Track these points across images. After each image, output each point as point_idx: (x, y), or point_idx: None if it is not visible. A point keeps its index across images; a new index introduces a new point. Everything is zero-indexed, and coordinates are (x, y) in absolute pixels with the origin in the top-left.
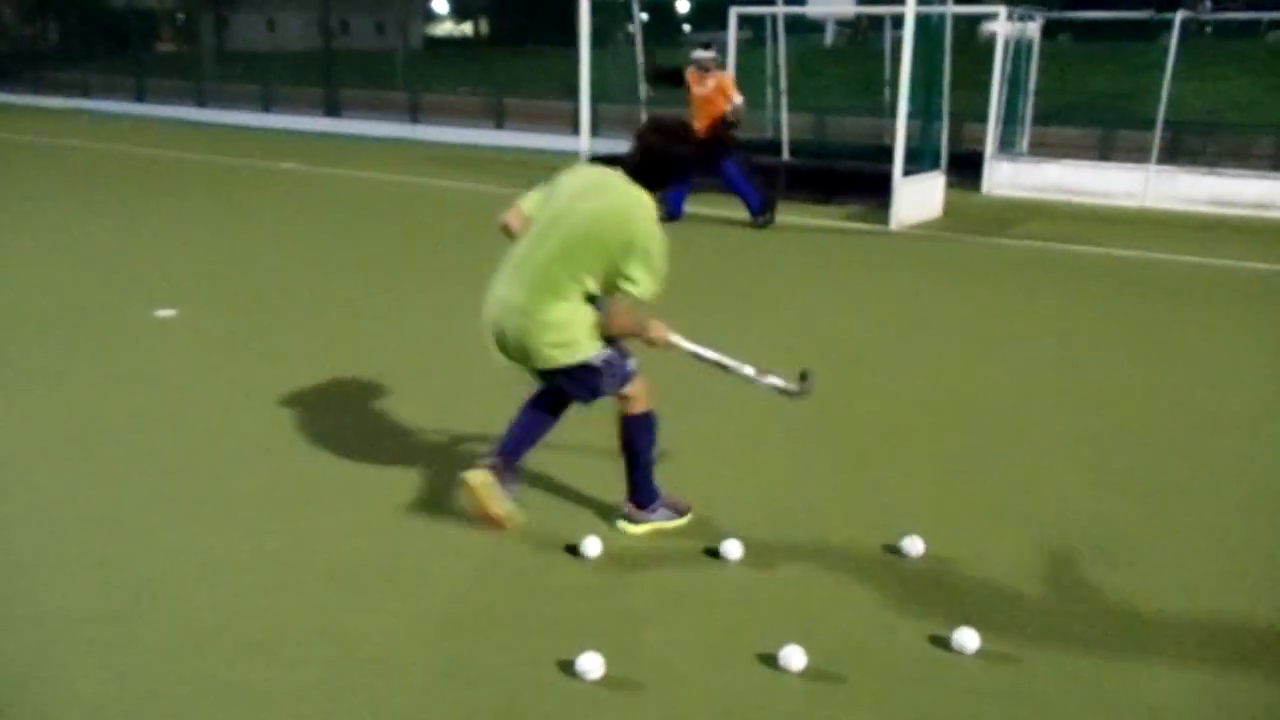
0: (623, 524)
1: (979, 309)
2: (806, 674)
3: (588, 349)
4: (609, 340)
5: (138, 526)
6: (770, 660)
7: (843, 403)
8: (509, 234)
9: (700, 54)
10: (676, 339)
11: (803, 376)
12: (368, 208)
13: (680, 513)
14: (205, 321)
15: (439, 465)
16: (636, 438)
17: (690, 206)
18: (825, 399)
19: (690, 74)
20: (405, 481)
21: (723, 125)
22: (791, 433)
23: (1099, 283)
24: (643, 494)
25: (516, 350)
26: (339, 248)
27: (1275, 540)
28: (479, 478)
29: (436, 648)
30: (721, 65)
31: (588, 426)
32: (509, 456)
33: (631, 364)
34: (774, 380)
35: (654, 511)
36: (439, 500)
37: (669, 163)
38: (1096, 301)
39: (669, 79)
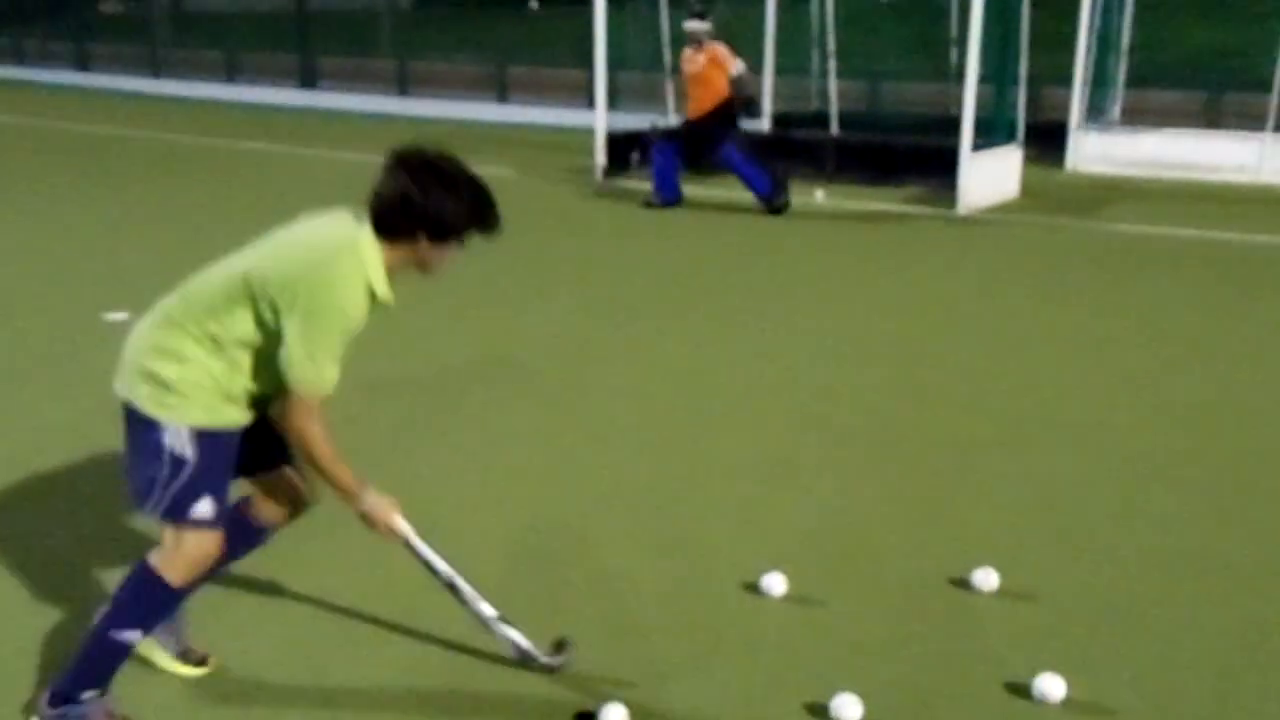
0: None
1: (1062, 306)
2: None
3: (176, 411)
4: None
5: (85, 565)
6: (821, 711)
7: (903, 415)
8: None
9: (693, 25)
10: (404, 529)
11: (558, 647)
12: (347, 195)
13: None
14: None
15: (437, 487)
16: (133, 605)
17: (723, 190)
18: (883, 411)
19: (685, 51)
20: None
21: (734, 103)
22: (842, 449)
23: (1205, 273)
24: (81, 681)
25: (120, 387)
26: None
27: None
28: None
29: (437, 698)
30: (715, 36)
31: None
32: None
33: (208, 510)
34: (515, 636)
35: (81, 716)
36: (435, 526)
37: (419, 213)
38: (1201, 295)
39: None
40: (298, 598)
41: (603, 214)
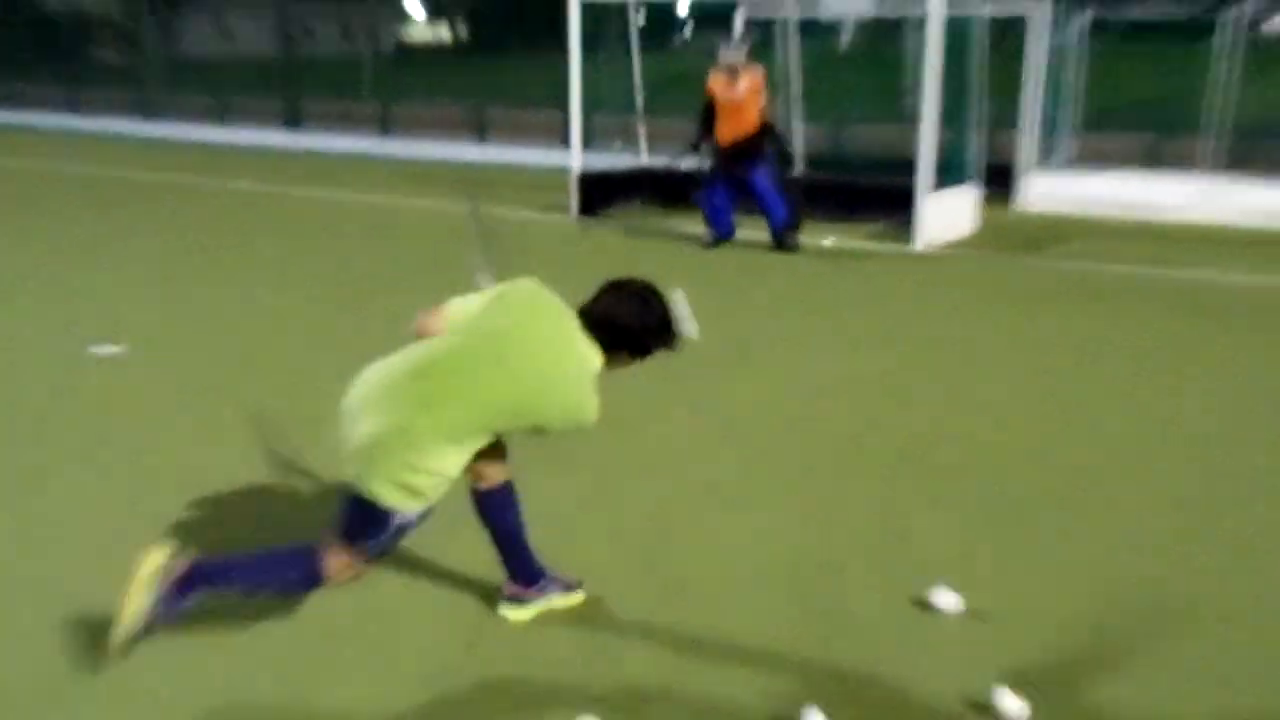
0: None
1: (1016, 337)
2: None
3: (415, 505)
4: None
5: (83, 592)
6: None
7: (867, 441)
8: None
9: (729, 53)
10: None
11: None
12: (331, 232)
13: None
14: (150, 359)
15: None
16: (285, 569)
17: (680, 224)
18: (848, 437)
19: (716, 79)
20: None
21: (764, 133)
22: (808, 473)
23: (1150, 307)
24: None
25: (355, 455)
26: (299, 277)
27: None
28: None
29: (427, 710)
30: (754, 61)
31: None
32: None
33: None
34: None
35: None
36: (416, 554)
37: (633, 334)
38: (1147, 328)
39: (705, 127)
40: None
41: (578, 249)
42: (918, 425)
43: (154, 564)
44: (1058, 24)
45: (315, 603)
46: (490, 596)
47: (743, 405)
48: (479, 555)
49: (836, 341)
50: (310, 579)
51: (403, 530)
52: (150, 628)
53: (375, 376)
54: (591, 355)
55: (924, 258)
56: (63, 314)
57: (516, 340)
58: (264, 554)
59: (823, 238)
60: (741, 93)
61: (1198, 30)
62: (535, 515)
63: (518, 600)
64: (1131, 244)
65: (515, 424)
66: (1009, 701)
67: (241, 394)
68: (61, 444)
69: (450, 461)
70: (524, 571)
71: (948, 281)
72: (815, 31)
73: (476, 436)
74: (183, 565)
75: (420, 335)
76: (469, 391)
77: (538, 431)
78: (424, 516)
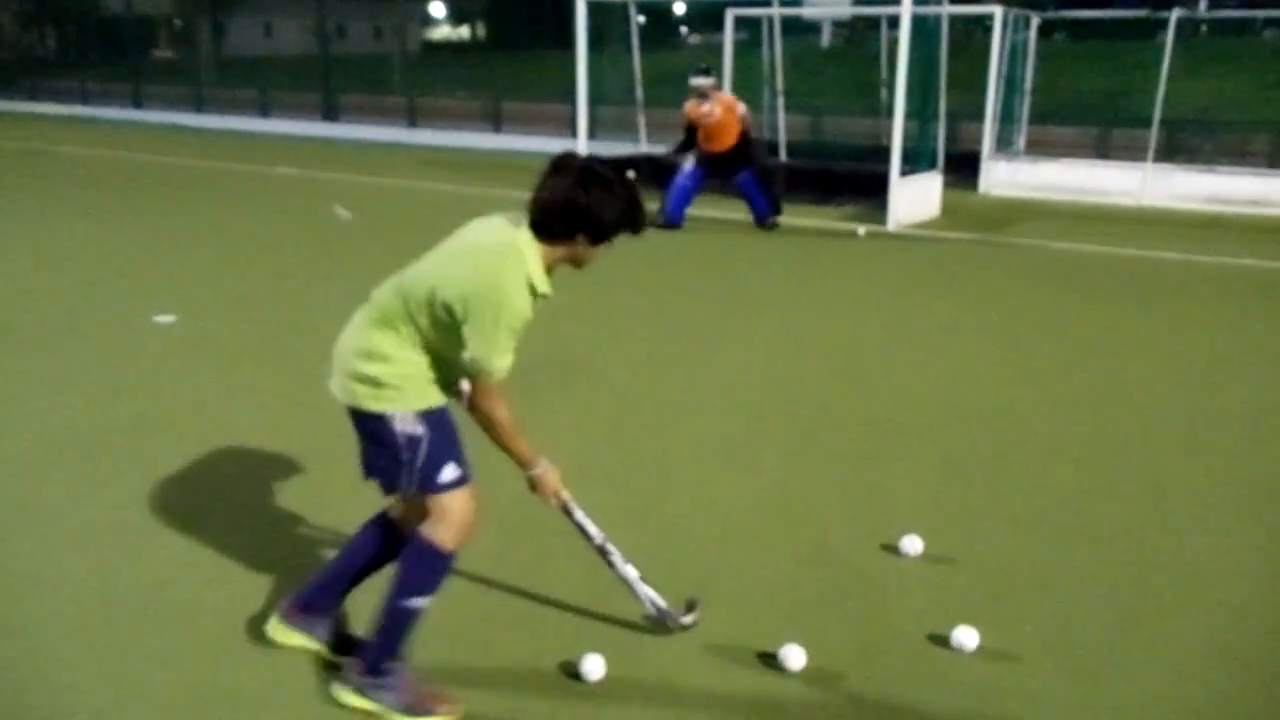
0: (338, 689)
1: (976, 309)
2: (806, 672)
3: (397, 402)
4: (436, 426)
5: (141, 533)
6: (770, 660)
7: (841, 404)
8: (506, 425)
9: (699, 80)
10: (566, 496)
11: (689, 607)
12: (367, 213)
13: (422, 714)
14: (205, 327)
15: None
16: (413, 575)
17: (697, 210)
18: (824, 400)
19: (691, 106)
20: None
21: (746, 143)
22: (790, 432)
23: (1097, 281)
24: (382, 652)
25: (338, 391)
26: (338, 253)
27: (1271, 538)
28: (274, 629)
29: (437, 651)
30: (718, 86)
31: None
32: (310, 602)
33: (452, 473)
34: (653, 596)
35: (387, 685)
36: None
37: (581, 217)
38: (1094, 300)
39: (686, 143)
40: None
41: None
42: (890, 387)
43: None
44: (1015, 24)
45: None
46: (501, 546)
47: (731, 369)
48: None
49: (817, 312)
50: (438, 564)
51: (416, 445)
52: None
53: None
54: (522, 240)
55: (895, 236)
56: (127, 286)
57: (442, 249)
58: (387, 608)
59: (858, 227)
60: (715, 114)
61: (1142, 29)
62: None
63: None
64: (1081, 225)
65: (427, 304)
66: (963, 633)
67: (288, 357)
68: (131, 401)
69: (389, 346)
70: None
71: (915, 258)
72: (798, 30)
73: (404, 321)
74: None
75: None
76: (393, 282)
77: (452, 329)
78: (437, 431)
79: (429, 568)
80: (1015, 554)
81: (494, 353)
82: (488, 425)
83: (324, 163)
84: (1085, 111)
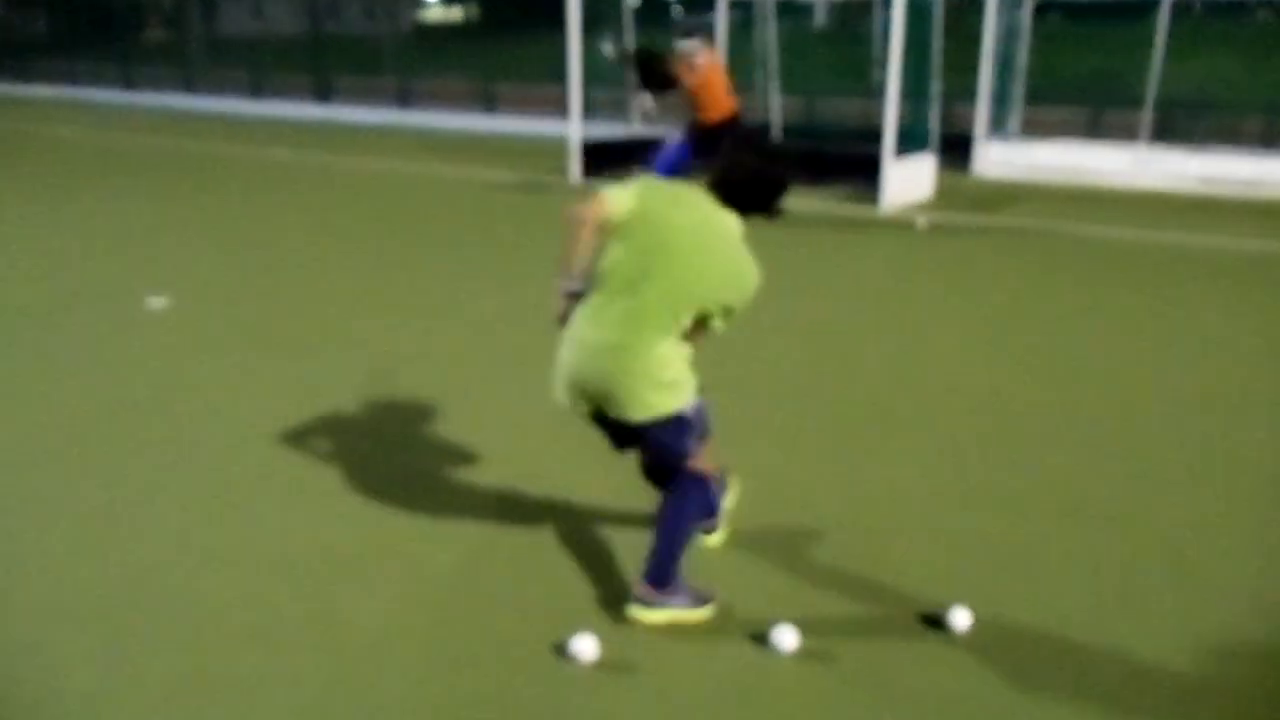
0: (634, 610)
1: (968, 291)
2: (798, 654)
3: (686, 395)
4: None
5: (132, 517)
6: (762, 640)
7: (833, 387)
8: (578, 236)
9: (685, 44)
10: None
11: None
12: (359, 195)
13: (707, 603)
14: (197, 310)
15: (434, 453)
16: (691, 504)
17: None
18: (816, 384)
19: (682, 69)
20: (401, 469)
21: (736, 120)
22: (779, 416)
23: (1090, 262)
24: (665, 568)
25: (603, 397)
26: (330, 235)
27: (1258, 516)
28: (644, 616)
29: (430, 633)
30: (709, 44)
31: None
32: (659, 579)
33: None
34: None
35: (673, 590)
36: (433, 487)
37: (764, 187)
38: (1087, 281)
39: (653, 75)
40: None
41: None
42: (882, 370)
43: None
44: (1010, 4)
45: (341, 530)
46: (491, 522)
47: (721, 353)
48: (468, 498)
49: (808, 295)
50: (709, 492)
51: (699, 412)
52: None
53: (578, 333)
54: (734, 221)
55: (888, 219)
56: (119, 270)
57: (682, 233)
58: (667, 531)
59: (917, 220)
60: (705, 75)
61: (1135, 10)
62: (549, 439)
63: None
64: (1074, 206)
65: (702, 305)
66: (956, 614)
67: (282, 340)
68: (125, 387)
69: (668, 347)
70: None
71: (908, 241)
72: (791, 11)
73: (674, 320)
74: (645, 592)
75: (579, 229)
76: (660, 286)
77: (724, 315)
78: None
79: (706, 496)
80: (1007, 534)
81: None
82: (569, 225)
83: (316, 144)
84: (1079, 92)
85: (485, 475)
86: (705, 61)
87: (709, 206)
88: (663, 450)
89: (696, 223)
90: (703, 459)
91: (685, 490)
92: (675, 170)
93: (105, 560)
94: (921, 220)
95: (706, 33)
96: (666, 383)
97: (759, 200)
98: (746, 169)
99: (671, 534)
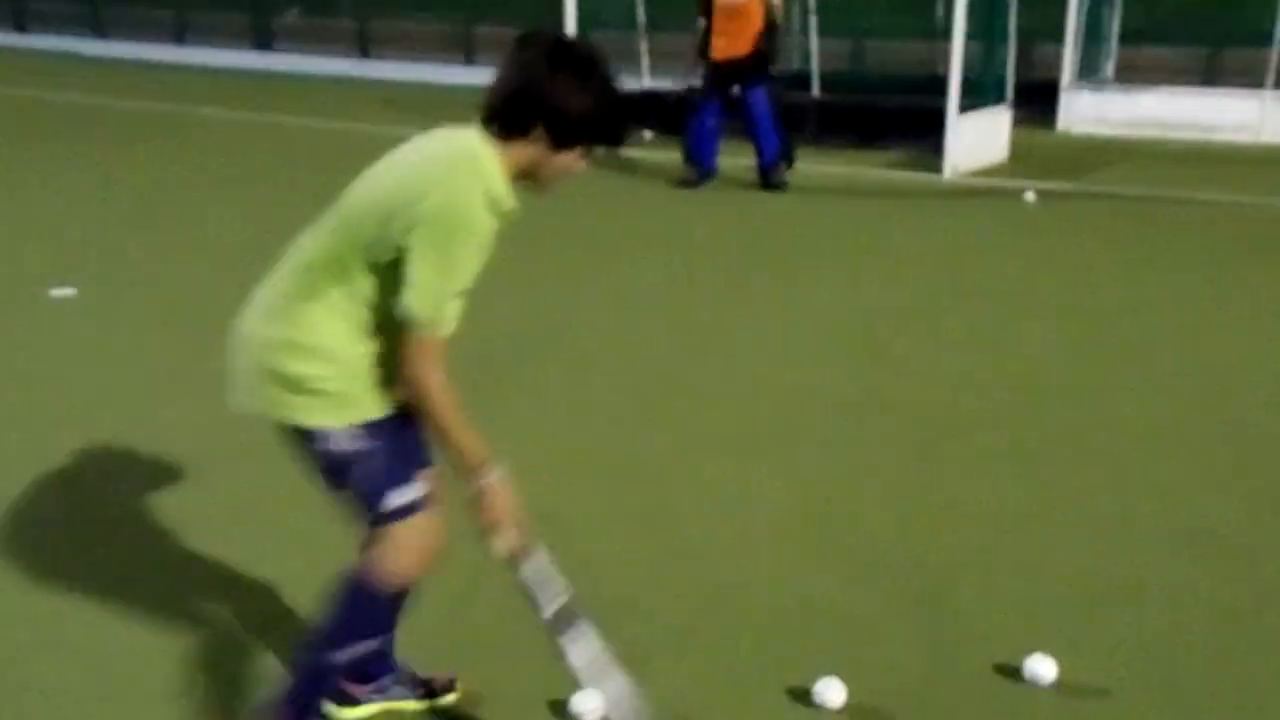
0: None
1: (1051, 273)
2: (846, 712)
3: (336, 414)
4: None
5: (35, 554)
6: (804, 695)
7: (889, 388)
8: (447, 410)
9: None
10: (519, 540)
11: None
12: (306, 163)
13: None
14: (112, 301)
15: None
16: (349, 615)
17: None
18: (869, 384)
19: None
20: None
21: (765, 37)
22: (830, 420)
23: (1204, 238)
24: (293, 712)
25: (249, 400)
26: (268, 210)
27: None
28: None
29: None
30: None
31: None
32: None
33: (402, 495)
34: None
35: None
36: None
37: (540, 101)
38: (1200, 261)
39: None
40: None
41: (572, 181)
42: (946, 368)
43: None
44: None
45: (304, 557)
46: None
47: (757, 346)
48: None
49: (858, 278)
50: (369, 603)
51: (357, 462)
52: None
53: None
54: (477, 142)
55: (953, 186)
56: (15, 254)
57: (372, 176)
58: (307, 660)
59: (1024, 193)
60: None
61: None
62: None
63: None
64: (1185, 168)
65: (370, 234)
66: (1040, 665)
67: (209, 334)
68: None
69: (327, 331)
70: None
71: (978, 213)
72: None
73: (344, 282)
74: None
75: (442, 390)
76: (323, 229)
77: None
78: (388, 442)
79: (363, 608)
80: (1100, 563)
81: (440, 290)
82: (422, 400)
83: (255, 101)
84: (1190, 28)
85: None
86: None
87: (451, 134)
88: (319, 476)
89: (405, 150)
90: (392, 556)
91: (345, 596)
92: (716, 141)
93: (10, 606)
94: (1030, 194)
95: None
96: (298, 378)
97: (516, 115)
98: (505, 75)
99: (309, 663)
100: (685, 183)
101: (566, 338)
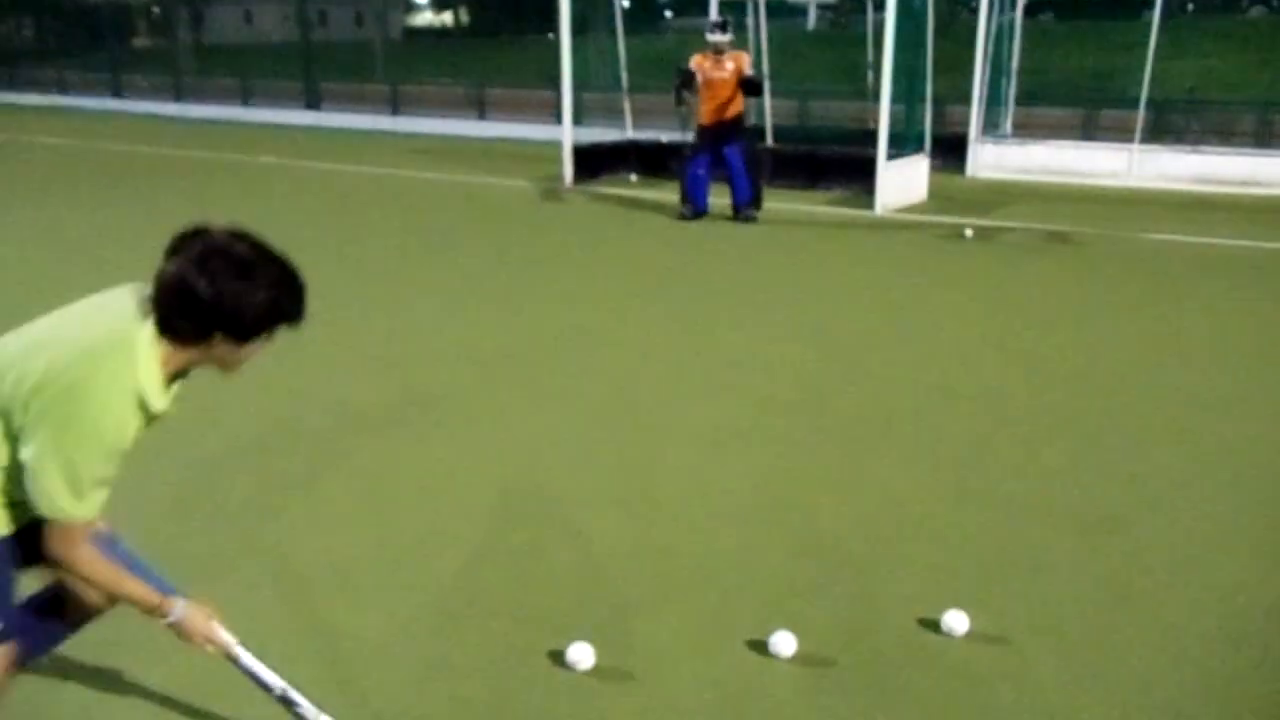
0: None
1: (963, 292)
2: (796, 659)
3: None
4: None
5: (122, 526)
6: (760, 646)
7: (831, 389)
8: (103, 574)
9: (717, 37)
10: (225, 639)
11: None
12: (350, 201)
13: None
14: None
15: (426, 456)
16: None
17: (665, 193)
18: (814, 386)
19: (702, 59)
20: (391, 475)
21: (746, 87)
22: (780, 418)
23: (1085, 263)
24: None
25: None
26: (320, 242)
27: (1260, 517)
28: None
29: (426, 641)
30: (735, 44)
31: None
32: None
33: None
34: None
35: None
36: (426, 491)
37: (210, 312)
38: (1082, 282)
39: (686, 85)
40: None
41: (571, 214)
42: (880, 372)
43: None
44: (1001, 4)
45: (335, 537)
46: (488, 529)
47: (721, 355)
48: (467, 503)
49: (806, 298)
50: None
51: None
52: None
53: None
54: (141, 336)
55: (882, 221)
56: (105, 279)
57: (47, 317)
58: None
59: (964, 230)
60: (728, 74)
61: (1128, 8)
62: (502, 440)
63: None
64: (1069, 206)
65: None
66: (955, 619)
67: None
68: None
69: None
70: None
71: (903, 243)
72: (783, 13)
73: None
74: None
75: (93, 560)
76: None
77: (29, 477)
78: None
79: None
80: (1006, 536)
81: (73, 487)
82: (75, 577)
83: (306, 151)
84: (1072, 92)
85: (487, 474)
86: (735, 63)
87: (120, 310)
88: None
89: (75, 318)
90: None
91: None
92: (707, 186)
93: None
94: (969, 231)
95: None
96: None
97: (187, 324)
98: (166, 282)
99: None
100: (683, 217)
101: (562, 347)
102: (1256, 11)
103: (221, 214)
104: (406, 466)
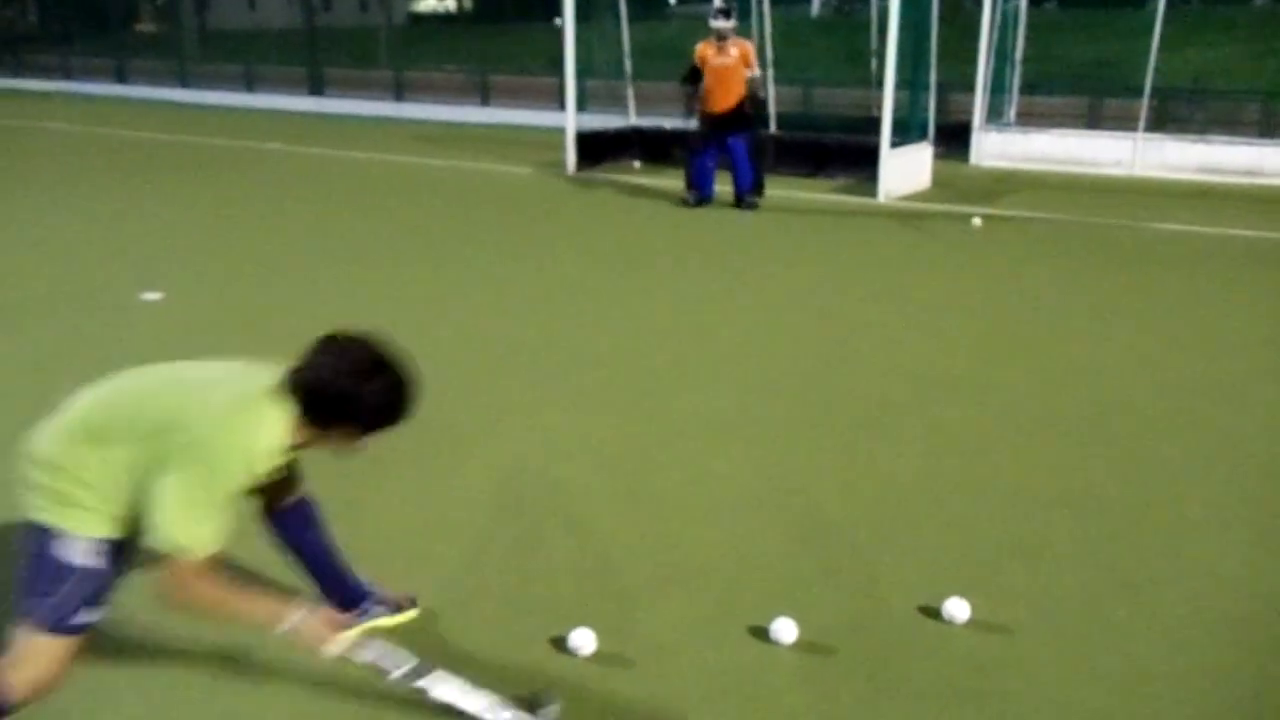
0: None
1: (964, 281)
2: (798, 646)
3: (80, 525)
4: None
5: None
6: (762, 633)
7: (833, 378)
8: (224, 602)
9: (720, 23)
10: (350, 640)
11: (537, 699)
12: (353, 188)
13: None
14: (191, 304)
15: (427, 446)
16: None
17: (668, 180)
18: (816, 375)
19: (705, 47)
20: (394, 464)
21: (748, 101)
22: (782, 407)
23: (1087, 252)
24: None
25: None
26: (325, 228)
27: (1262, 507)
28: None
29: (428, 630)
30: (739, 31)
31: None
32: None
33: (85, 617)
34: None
35: None
36: (429, 482)
37: (346, 403)
38: (1085, 271)
39: (692, 76)
40: None
41: (573, 201)
42: (882, 361)
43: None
44: None
45: (334, 527)
46: (488, 519)
47: (723, 344)
48: (469, 493)
49: (808, 286)
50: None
51: (71, 576)
52: None
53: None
54: (273, 405)
55: (885, 208)
56: (113, 263)
57: (180, 369)
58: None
59: (972, 219)
60: (732, 60)
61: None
62: (503, 429)
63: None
64: (1072, 195)
65: (133, 453)
66: (956, 607)
67: (278, 334)
68: None
69: (91, 470)
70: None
71: (906, 231)
72: (787, 0)
73: (119, 445)
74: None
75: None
76: (102, 398)
77: (151, 507)
78: (108, 567)
79: None
80: (1007, 525)
81: (189, 519)
82: (201, 616)
83: (310, 137)
84: (1076, 81)
85: (489, 463)
86: (739, 51)
87: (248, 370)
88: (25, 581)
89: (217, 372)
90: (29, 666)
91: None
92: (713, 174)
93: None
94: (977, 220)
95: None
96: (55, 491)
97: (330, 414)
98: (318, 378)
99: None
100: (685, 203)
101: (563, 333)
102: (1261, 1)
103: (235, 201)
104: (407, 454)
